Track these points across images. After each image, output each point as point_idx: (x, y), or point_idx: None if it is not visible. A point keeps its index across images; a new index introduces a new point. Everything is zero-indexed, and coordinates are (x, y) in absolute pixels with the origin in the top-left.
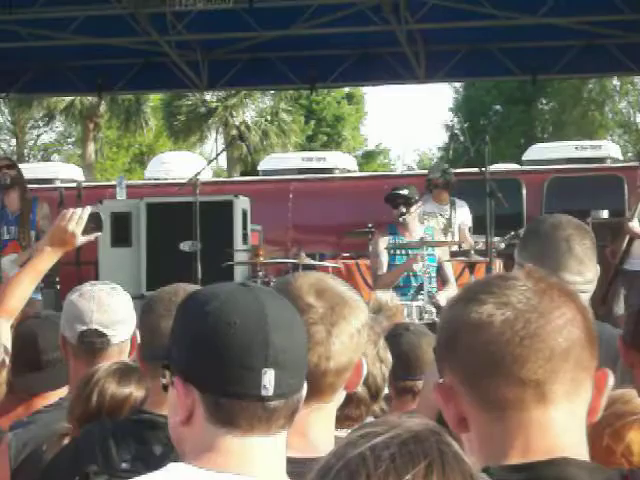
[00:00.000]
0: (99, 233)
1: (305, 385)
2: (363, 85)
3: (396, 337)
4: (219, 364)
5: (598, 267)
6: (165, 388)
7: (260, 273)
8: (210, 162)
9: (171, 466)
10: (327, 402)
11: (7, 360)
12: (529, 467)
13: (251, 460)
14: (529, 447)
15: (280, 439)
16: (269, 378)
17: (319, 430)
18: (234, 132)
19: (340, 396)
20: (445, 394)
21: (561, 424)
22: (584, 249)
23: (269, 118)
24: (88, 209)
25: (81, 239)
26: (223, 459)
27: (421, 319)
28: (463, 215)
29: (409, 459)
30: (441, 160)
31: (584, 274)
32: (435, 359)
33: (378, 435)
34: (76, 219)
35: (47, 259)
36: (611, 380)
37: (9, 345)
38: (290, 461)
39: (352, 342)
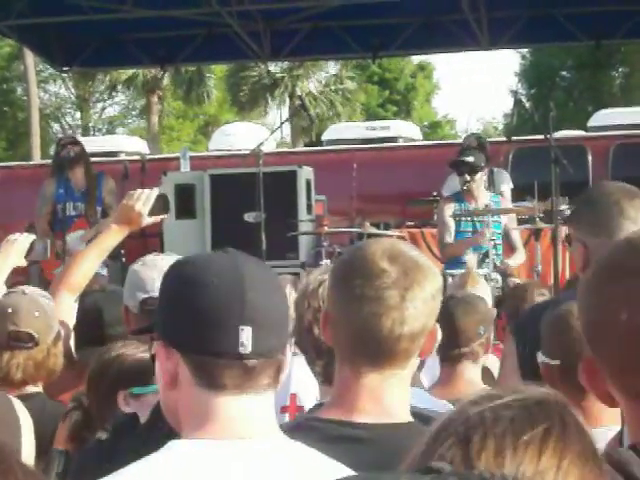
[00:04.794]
0: (165, 215)
1: (289, 348)
2: (426, 53)
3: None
4: (197, 324)
5: None
6: (153, 359)
7: (324, 243)
8: (273, 132)
9: (171, 444)
10: (402, 368)
11: (62, 332)
12: None
13: (244, 421)
14: None
15: (268, 399)
16: (246, 335)
17: (394, 396)
18: (298, 102)
19: (414, 363)
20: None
21: None
22: (636, 209)
23: (333, 88)
24: (156, 190)
25: (147, 219)
26: (217, 425)
27: None
28: (503, 183)
29: (528, 422)
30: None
31: None
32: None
33: (500, 397)
34: (143, 199)
35: (113, 237)
36: None
37: (73, 320)
38: (365, 427)
39: (426, 307)
